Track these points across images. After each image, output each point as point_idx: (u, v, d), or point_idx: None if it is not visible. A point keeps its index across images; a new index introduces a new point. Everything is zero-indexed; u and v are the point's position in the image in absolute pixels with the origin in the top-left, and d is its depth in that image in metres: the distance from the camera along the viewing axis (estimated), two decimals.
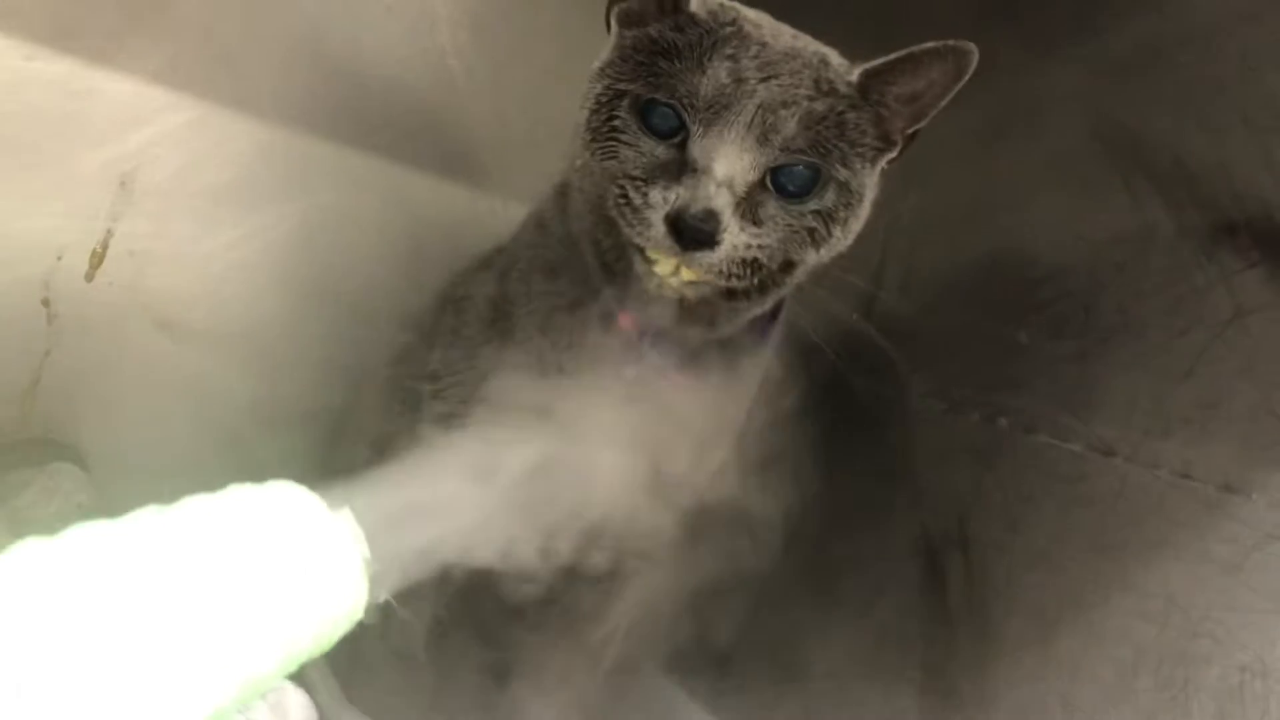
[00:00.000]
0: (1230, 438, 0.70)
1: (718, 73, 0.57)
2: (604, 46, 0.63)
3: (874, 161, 0.62)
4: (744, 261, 0.58)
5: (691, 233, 0.56)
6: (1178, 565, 0.70)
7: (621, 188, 0.58)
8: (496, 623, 0.77)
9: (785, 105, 0.57)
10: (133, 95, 0.78)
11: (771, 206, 0.58)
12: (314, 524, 0.43)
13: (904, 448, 0.87)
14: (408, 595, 0.49)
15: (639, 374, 0.67)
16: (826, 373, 0.73)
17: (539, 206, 0.73)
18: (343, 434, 0.88)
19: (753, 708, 0.89)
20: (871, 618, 0.89)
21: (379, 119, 0.92)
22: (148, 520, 0.40)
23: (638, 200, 0.57)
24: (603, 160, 0.59)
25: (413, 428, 0.75)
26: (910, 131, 0.62)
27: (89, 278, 0.78)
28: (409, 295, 0.86)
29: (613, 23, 0.63)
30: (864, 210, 0.62)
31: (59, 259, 0.77)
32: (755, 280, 0.59)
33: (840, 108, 0.59)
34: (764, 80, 0.57)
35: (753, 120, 0.56)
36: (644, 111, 0.59)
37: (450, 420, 0.71)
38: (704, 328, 0.66)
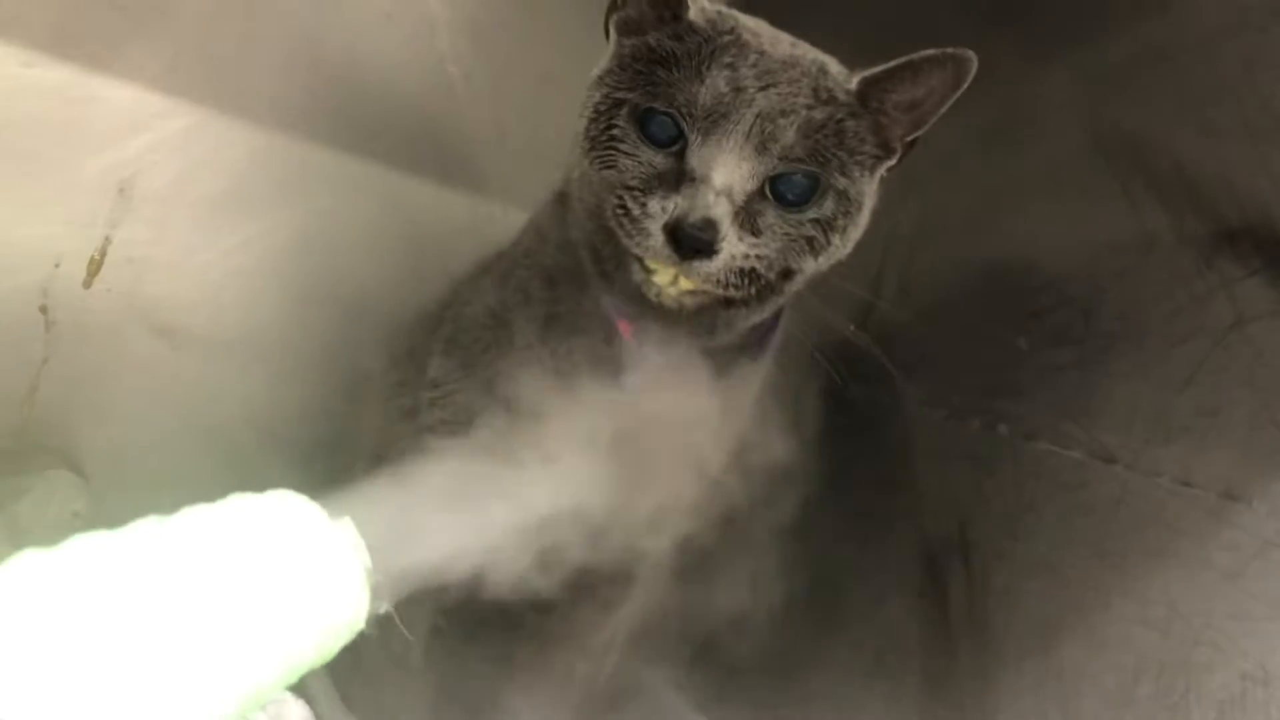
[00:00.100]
0: (1231, 445, 0.70)
1: (716, 82, 0.57)
2: (603, 54, 0.63)
3: (873, 169, 0.62)
4: (742, 271, 0.58)
5: (690, 241, 0.56)
6: (1179, 573, 0.70)
7: (620, 198, 0.58)
8: (496, 631, 0.77)
9: (784, 114, 0.57)
10: (131, 102, 0.78)
11: (770, 215, 0.58)
12: (315, 533, 0.43)
13: (904, 455, 0.87)
14: (407, 604, 0.49)
15: (638, 381, 0.67)
16: (825, 380, 0.73)
17: (538, 214, 0.73)
18: (342, 441, 0.88)
19: (754, 716, 0.89)
20: (872, 625, 0.89)
21: (377, 125, 0.92)
22: (148, 530, 0.40)
23: (636, 211, 0.57)
24: (601, 169, 0.59)
25: (412, 434, 0.74)
26: (909, 139, 0.62)
27: (87, 285, 0.78)
28: (408, 301, 0.86)
29: (611, 31, 0.63)
30: (863, 218, 0.62)
31: (57, 266, 0.77)
32: (753, 290, 0.59)
33: (839, 116, 0.59)
34: (763, 89, 0.57)
35: (751, 129, 0.56)
36: (642, 120, 0.58)
37: (449, 428, 0.71)
38: (703, 335, 0.66)
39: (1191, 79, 0.74)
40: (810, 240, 0.60)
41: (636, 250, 0.58)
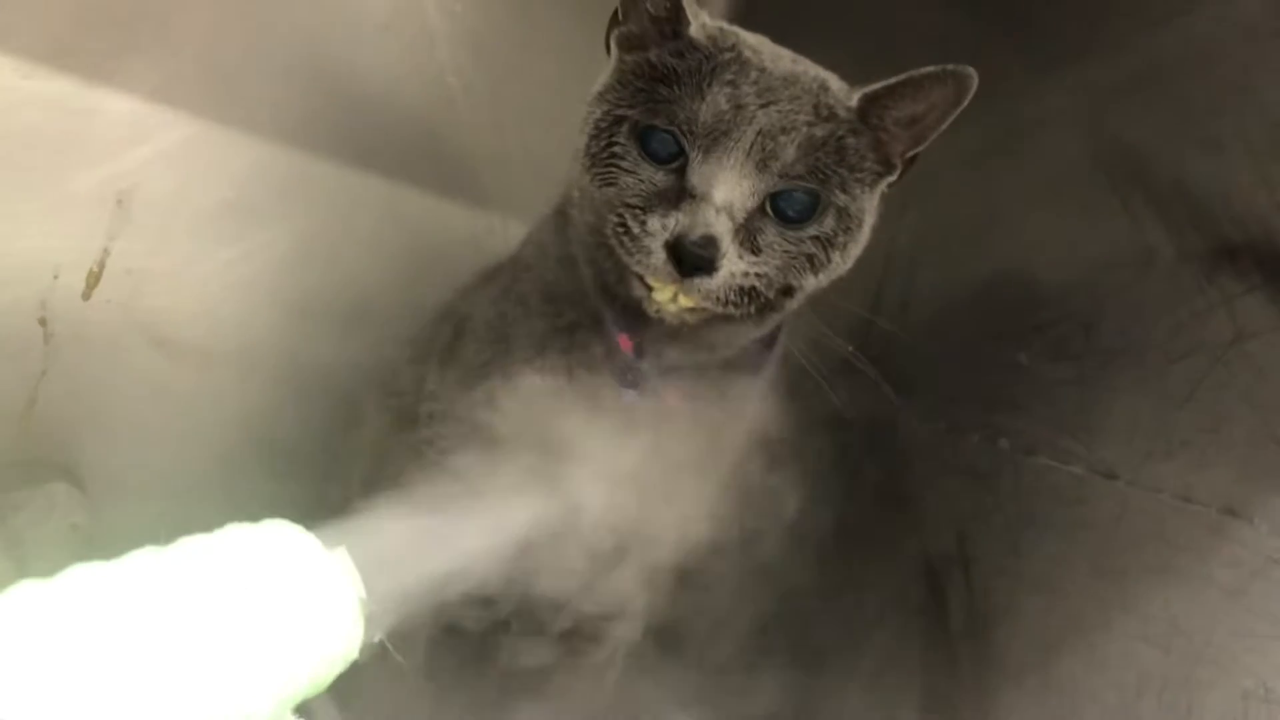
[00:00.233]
0: (1231, 461, 0.69)
1: (717, 99, 0.57)
2: (603, 68, 0.63)
3: (873, 186, 0.61)
4: (741, 289, 0.58)
5: (691, 259, 0.56)
6: (1180, 589, 0.70)
7: (620, 216, 0.58)
8: (496, 646, 0.77)
9: (785, 131, 0.57)
10: (130, 114, 0.78)
11: (770, 233, 0.58)
12: (310, 564, 0.43)
13: (904, 470, 0.87)
14: (404, 623, 0.49)
15: (638, 396, 0.67)
16: (823, 396, 0.73)
17: (538, 228, 0.73)
18: (339, 454, 0.88)
19: None
20: (872, 641, 0.89)
21: (377, 137, 0.92)
22: (144, 561, 0.40)
23: (636, 228, 0.57)
24: (602, 187, 0.59)
25: (410, 447, 0.74)
26: (910, 155, 0.62)
27: (86, 297, 0.78)
28: (407, 314, 0.86)
29: (612, 46, 0.63)
30: (864, 235, 0.62)
31: (56, 278, 0.76)
32: (753, 308, 0.59)
33: (840, 132, 0.59)
34: (763, 106, 0.57)
35: (752, 146, 0.56)
36: (643, 137, 0.58)
37: (447, 442, 0.71)
38: (703, 351, 0.66)
39: (1191, 94, 0.74)
40: (810, 258, 0.59)
41: (637, 268, 0.58)
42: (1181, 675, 0.68)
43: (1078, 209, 0.81)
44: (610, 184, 0.59)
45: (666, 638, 0.83)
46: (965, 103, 0.58)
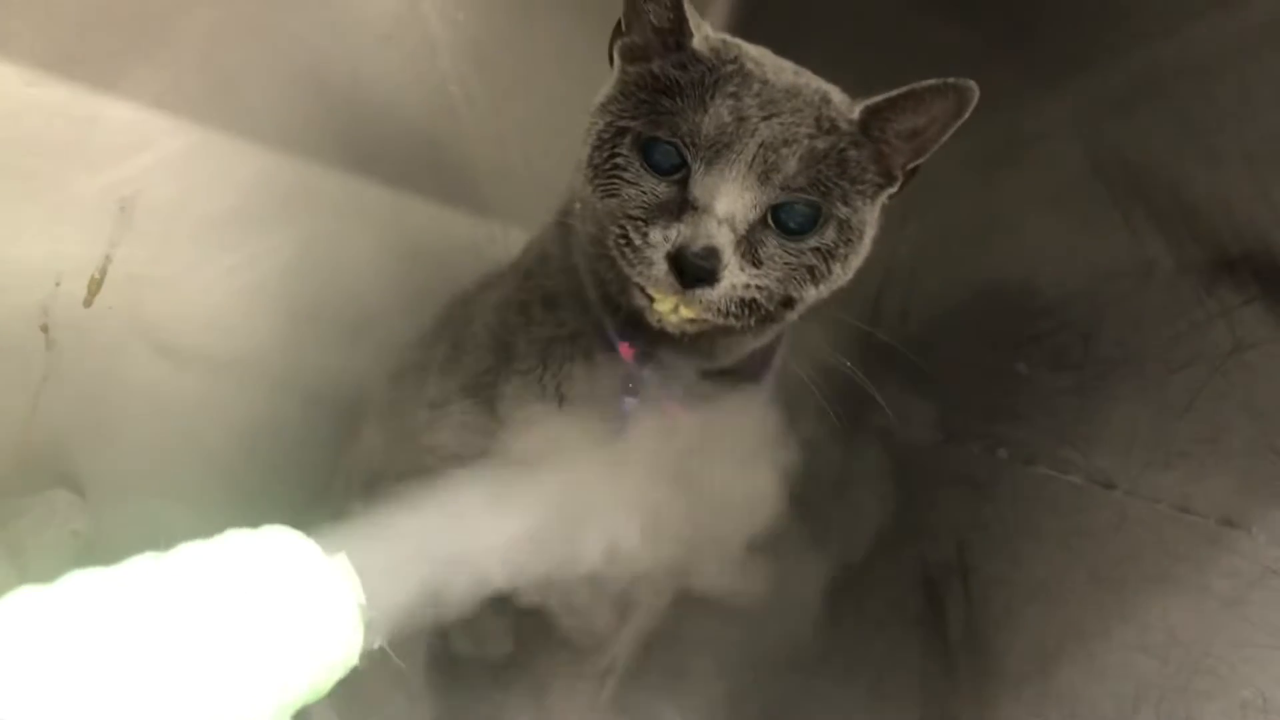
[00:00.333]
0: (1230, 472, 0.70)
1: (720, 111, 0.57)
2: (606, 78, 0.63)
3: (874, 198, 0.62)
4: (742, 301, 0.58)
5: (693, 270, 0.56)
6: (1178, 599, 0.70)
7: (622, 228, 0.58)
8: (496, 651, 0.77)
9: (787, 143, 0.57)
10: (133, 121, 0.78)
11: (771, 245, 0.59)
12: (309, 570, 0.43)
13: (902, 479, 0.87)
14: (404, 629, 0.49)
15: (639, 404, 0.67)
16: (821, 407, 0.73)
17: (539, 236, 0.73)
18: (340, 460, 0.88)
19: None
20: (871, 650, 0.89)
21: (379, 145, 0.92)
22: (144, 567, 0.40)
23: (638, 240, 0.57)
24: (604, 198, 0.59)
25: (411, 454, 0.74)
26: (911, 167, 0.62)
27: (88, 303, 0.78)
28: (408, 321, 0.86)
29: (615, 57, 0.63)
30: (864, 246, 0.62)
31: (58, 284, 0.77)
32: (753, 320, 0.59)
33: (841, 145, 0.59)
34: (766, 119, 0.57)
35: (754, 159, 0.57)
36: (646, 149, 0.59)
37: (448, 449, 0.71)
38: (704, 359, 0.66)
39: (1191, 106, 0.75)
40: (811, 269, 0.60)
41: (638, 279, 0.58)
42: (1180, 685, 0.68)
43: (1077, 220, 0.81)
44: (612, 195, 0.59)
45: (665, 647, 0.83)
46: (966, 115, 0.59)
